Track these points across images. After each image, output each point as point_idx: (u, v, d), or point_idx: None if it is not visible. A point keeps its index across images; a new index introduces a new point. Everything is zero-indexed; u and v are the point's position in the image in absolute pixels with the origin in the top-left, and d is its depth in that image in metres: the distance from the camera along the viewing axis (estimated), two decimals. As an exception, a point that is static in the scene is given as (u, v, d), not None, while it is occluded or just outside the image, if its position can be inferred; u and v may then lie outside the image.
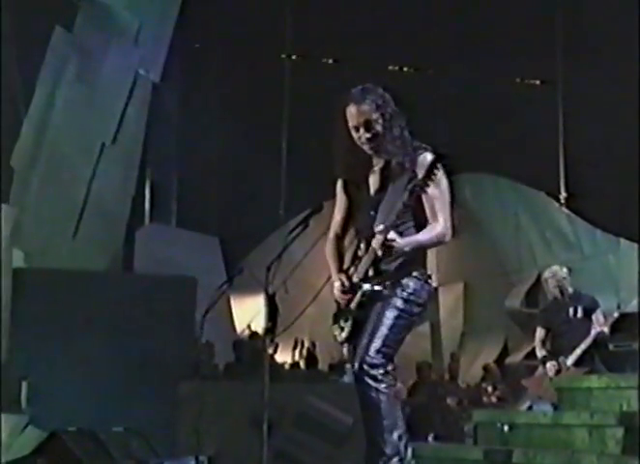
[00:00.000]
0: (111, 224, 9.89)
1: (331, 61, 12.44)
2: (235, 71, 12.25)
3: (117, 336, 7.98)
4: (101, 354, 7.88)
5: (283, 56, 12.68)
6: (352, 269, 3.98)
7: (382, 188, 3.96)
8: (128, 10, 10.23)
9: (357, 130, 3.92)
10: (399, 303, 3.87)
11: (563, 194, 11.85)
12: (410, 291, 3.88)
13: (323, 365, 11.85)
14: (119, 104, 10.18)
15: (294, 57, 12.64)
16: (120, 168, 10.10)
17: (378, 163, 3.98)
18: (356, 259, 3.99)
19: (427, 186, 3.76)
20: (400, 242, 3.78)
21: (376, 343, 3.81)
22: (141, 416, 7.34)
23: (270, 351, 7.64)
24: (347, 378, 10.39)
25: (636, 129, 10.31)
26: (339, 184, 4.14)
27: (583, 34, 11.08)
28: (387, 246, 3.76)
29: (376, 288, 3.87)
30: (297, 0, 12.53)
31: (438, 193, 3.86)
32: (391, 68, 12.29)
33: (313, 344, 12.20)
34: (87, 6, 10.17)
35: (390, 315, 3.85)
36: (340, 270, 4.04)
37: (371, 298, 3.90)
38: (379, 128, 3.90)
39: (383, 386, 3.80)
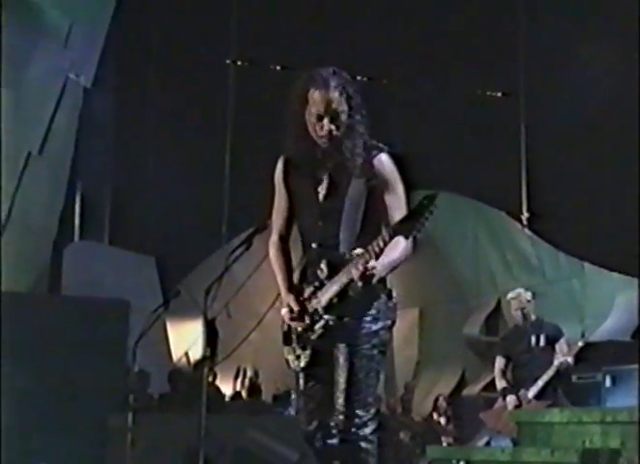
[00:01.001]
0: (37, 241, 9.80)
1: (278, 68, 12.47)
2: (176, 77, 12.22)
3: (42, 364, 7.89)
4: (24, 383, 7.78)
5: (228, 62, 12.68)
6: (305, 290, 3.80)
7: (331, 193, 3.78)
8: (57, 8, 10.17)
9: (320, 118, 3.69)
10: (371, 337, 3.72)
11: (525, 214, 11.94)
12: (378, 317, 3.73)
13: (266, 396, 11.81)
14: (47, 111, 10.13)
15: (239, 63, 12.65)
16: (47, 180, 10.03)
17: (328, 161, 3.80)
18: (308, 278, 3.81)
19: (384, 193, 3.69)
20: (379, 268, 3.60)
21: (357, 398, 3.68)
22: (68, 450, 7.26)
23: (209, 380, 7.61)
24: (292, 410, 10.39)
25: (603, 143, 10.46)
26: (279, 170, 3.92)
27: (545, 44, 11.26)
28: (368, 275, 3.58)
29: (341, 319, 3.69)
30: (244, 4, 12.55)
31: (395, 201, 3.74)
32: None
33: (256, 373, 12.15)
34: (12, 3, 10.09)
35: (363, 360, 3.71)
36: (290, 285, 3.86)
37: (335, 329, 3.73)
38: (344, 119, 3.70)
39: (373, 446, 3.71)
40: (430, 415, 10.99)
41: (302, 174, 3.84)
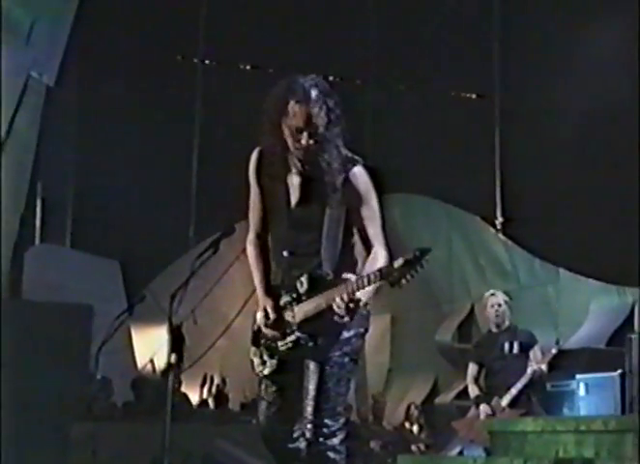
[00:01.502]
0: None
1: (248, 67, 12.47)
2: (141, 76, 12.18)
3: (1, 371, 7.83)
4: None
5: (196, 60, 12.66)
6: (283, 297, 3.81)
7: (303, 201, 3.79)
8: (19, 6, 10.12)
9: (298, 132, 3.67)
10: (341, 346, 3.75)
11: (499, 219, 11.99)
12: (351, 325, 3.73)
13: (234, 404, 11.79)
14: (8, 110, 10.05)
15: (207, 62, 12.64)
16: (8, 181, 9.95)
17: (301, 168, 3.80)
18: (284, 284, 3.81)
19: (360, 206, 3.71)
20: (363, 299, 3.62)
21: (327, 406, 3.70)
22: (28, 460, 7.20)
23: (174, 388, 7.58)
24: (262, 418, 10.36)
25: (580, 146, 10.53)
26: (253, 164, 3.91)
27: (521, 46, 11.33)
28: (352, 308, 3.58)
29: (313, 338, 3.71)
30: (212, 2, 12.54)
31: (370, 215, 3.76)
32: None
33: (224, 381, 12.13)
34: (-27, 1, 10.05)
35: (333, 369, 3.73)
36: (267, 287, 3.87)
37: (306, 346, 3.74)
38: (321, 130, 3.67)
39: (341, 456, 3.72)
40: (402, 423, 11.03)
41: (274, 174, 3.83)
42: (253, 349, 3.89)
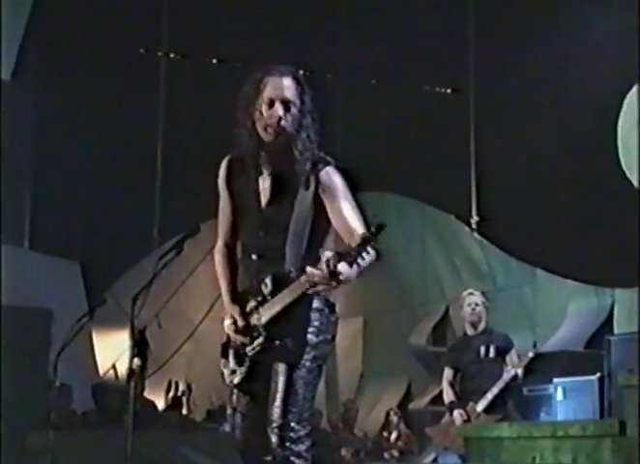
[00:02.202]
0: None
1: (215, 61, 12.44)
2: (103, 70, 12.12)
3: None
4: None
5: (160, 54, 12.60)
6: (249, 303, 3.87)
7: (274, 201, 3.87)
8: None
9: (271, 103, 3.84)
10: (309, 351, 3.80)
11: (474, 218, 12.01)
12: (319, 330, 3.81)
13: (200, 411, 11.77)
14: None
15: (172, 55, 12.59)
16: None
17: (273, 163, 3.89)
18: (250, 289, 3.88)
19: (331, 206, 3.78)
20: (346, 273, 3.62)
21: (294, 410, 3.74)
22: (-17, 471, 7.16)
23: (137, 394, 7.56)
24: (228, 426, 10.36)
25: (558, 142, 10.59)
26: (222, 172, 4.01)
27: (496, 40, 11.37)
28: (334, 279, 3.60)
29: (281, 339, 3.77)
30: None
31: (344, 215, 3.82)
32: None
33: (189, 387, 12.11)
34: None
35: (302, 372, 3.78)
36: (234, 296, 3.93)
37: (274, 348, 3.81)
38: (294, 110, 3.84)
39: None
40: (382, 427, 11.05)
41: (245, 177, 3.92)
42: (223, 361, 3.94)
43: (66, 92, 11.89)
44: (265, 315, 3.82)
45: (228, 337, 3.92)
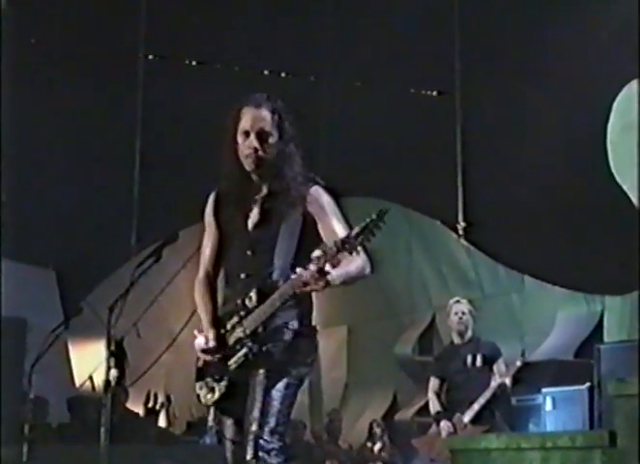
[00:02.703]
0: None
1: (194, 63, 12.42)
2: (80, 72, 12.08)
3: None
4: None
5: (140, 56, 12.57)
6: (229, 322, 3.97)
7: (262, 222, 4.02)
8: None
9: (246, 135, 4.00)
10: (292, 368, 3.92)
11: (461, 224, 12.02)
12: (299, 352, 3.95)
13: (180, 424, 11.75)
14: None
15: (150, 57, 12.56)
16: None
17: (259, 192, 4.05)
18: (235, 310, 3.97)
19: (320, 224, 3.91)
20: (334, 274, 3.80)
21: (270, 423, 3.83)
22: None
23: (115, 407, 7.54)
24: (209, 438, 10.34)
25: (548, 147, 10.62)
26: (210, 206, 4.16)
27: (483, 42, 11.40)
28: (322, 278, 3.76)
29: (265, 348, 3.88)
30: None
31: (332, 233, 3.94)
32: (266, 72, 12.38)
33: (168, 398, 12.09)
34: None
35: (279, 386, 3.88)
36: (214, 319, 4.04)
37: (257, 357, 3.90)
38: (272, 140, 3.99)
39: None
40: (367, 439, 11.05)
41: (234, 206, 4.08)
42: (198, 384, 4.05)
43: (40, 94, 11.85)
44: (250, 325, 3.90)
45: (205, 361, 4.03)
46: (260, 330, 3.89)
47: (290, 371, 3.91)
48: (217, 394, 3.96)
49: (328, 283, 3.79)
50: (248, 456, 3.80)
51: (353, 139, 12.10)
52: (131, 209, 12.79)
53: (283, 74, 12.29)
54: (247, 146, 3.98)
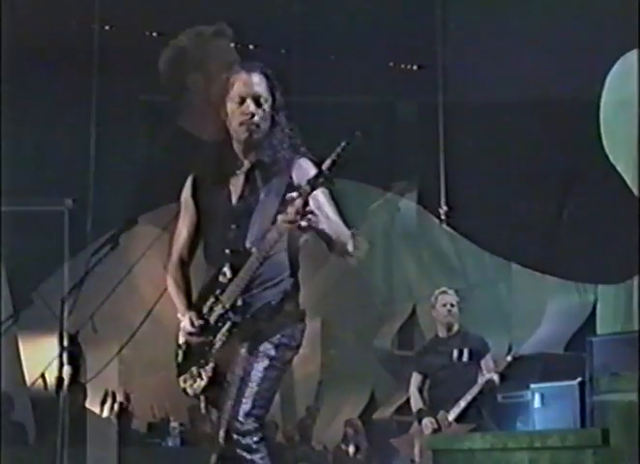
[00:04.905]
0: None
1: (155, 34, 12.36)
2: (33, 45, 12.00)
3: None
4: None
5: (94, 27, 12.49)
6: (206, 304, 4.05)
7: (245, 194, 4.11)
8: None
9: (242, 101, 4.09)
10: (270, 349, 3.99)
11: (443, 208, 12.01)
12: (284, 333, 4.03)
13: (140, 424, 11.74)
14: None
15: (106, 28, 12.49)
16: None
17: (243, 165, 4.14)
18: (211, 290, 4.05)
19: (308, 197, 3.89)
20: (314, 219, 3.86)
21: (245, 405, 3.90)
22: None
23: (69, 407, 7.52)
24: (172, 440, 10.34)
25: (536, 126, 10.63)
26: (188, 188, 4.24)
27: (466, 12, 11.39)
28: (303, 218, 3.81)
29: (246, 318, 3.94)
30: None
31: (324, 206, 4.04)
32: (232, 45, 12.34)
33: (128, 397, 12.07)
34: None
35: (259, 366, 3.95)
36: (189, 305, 4.11)
37: (238, 334, 3.97)
38: (266, 107, 4.11)
39: (259, 456, 3.91)
40: (343, 439, 11.09)
41: (215, 183, 4.16)
42: (182, 377, 4.12)
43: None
44: (230, 299, 3.98)
45: (185, 355, 4.09)
46: (240, 303, 3.97)
47: (272, 353, 3.96)
48: (204, 380, 4.03)
49: (311, 222, 3.83)
50: (220, 438, 3.86)
51: (326, 117, 12.08)
52: (87, 192, 12.73)
53: (251, 47, 12.26)
54: (242, 112, 4.07)
